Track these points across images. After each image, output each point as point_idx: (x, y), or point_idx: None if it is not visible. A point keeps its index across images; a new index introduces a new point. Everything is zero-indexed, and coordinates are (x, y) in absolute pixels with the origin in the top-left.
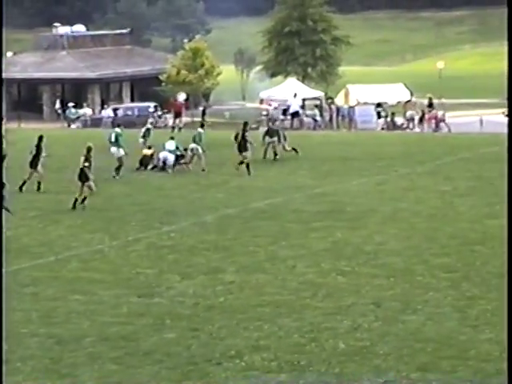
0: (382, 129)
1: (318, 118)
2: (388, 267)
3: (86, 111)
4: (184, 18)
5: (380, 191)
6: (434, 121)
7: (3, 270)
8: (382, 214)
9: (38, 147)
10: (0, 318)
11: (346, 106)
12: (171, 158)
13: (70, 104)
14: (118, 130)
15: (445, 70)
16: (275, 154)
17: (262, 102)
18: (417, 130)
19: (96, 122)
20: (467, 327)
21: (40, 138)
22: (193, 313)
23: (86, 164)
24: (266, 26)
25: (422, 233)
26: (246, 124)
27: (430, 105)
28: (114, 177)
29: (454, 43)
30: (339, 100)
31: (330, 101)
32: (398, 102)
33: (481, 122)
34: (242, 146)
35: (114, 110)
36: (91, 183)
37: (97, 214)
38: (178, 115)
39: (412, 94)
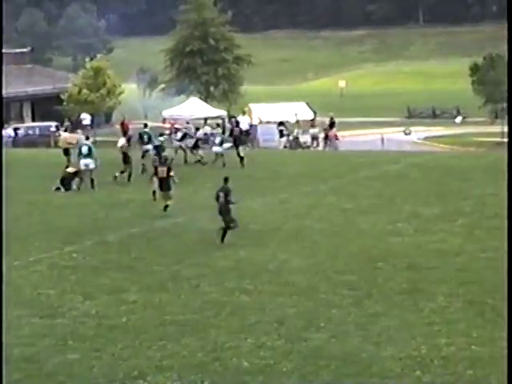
0: (285, 147)
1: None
2: (291, 285)
3: None
4: (86, 36)
5: (283, 209)
6: (335, 139)
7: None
8: (286, 231)
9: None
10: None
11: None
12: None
13: None
14: (88, 142)
15: (346, 88)
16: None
17: (164, 121)
18: (319, 148)
19: None
20: (370, 344)
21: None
22: (96, 333)
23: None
24: (168, 45)
25: (326, 250)
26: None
27: (332, 123)
28: (90, 187)
29: (355, 62)
30: (241, 118)
31: (233, 119)
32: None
33: (382, 140)
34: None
35: (15, 130)
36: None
37: None
38: (125, 134)
39: (315, 113)
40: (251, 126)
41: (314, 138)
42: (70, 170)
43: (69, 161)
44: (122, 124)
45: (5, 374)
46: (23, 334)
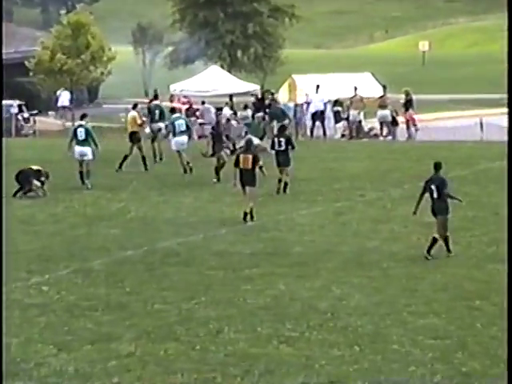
0: (343, 136)
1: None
2: (351, 332)
3: None
4: None
5: (340, 224)
6: (412, 124)
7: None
8: (343, 256)
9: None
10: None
11: (291, 104)
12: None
13: None
14: (83, 122)
15: (430, 52)
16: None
17: (172, 98)
18: (390, 137)
19: None
20: None
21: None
22: None
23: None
24: None
25: (399, 283)
26: None
27: (407, 102)
28: (86, 185)
29: (442, 15)
30: (282, 95)
31: (269, 97)
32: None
33: (481, 125)
34: None
35: None
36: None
37: None
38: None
39: (385, 88)
40: (325, 104)
41: (384, 122)
42: (34, 167)
43: (140, 149)
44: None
45: None
46: None
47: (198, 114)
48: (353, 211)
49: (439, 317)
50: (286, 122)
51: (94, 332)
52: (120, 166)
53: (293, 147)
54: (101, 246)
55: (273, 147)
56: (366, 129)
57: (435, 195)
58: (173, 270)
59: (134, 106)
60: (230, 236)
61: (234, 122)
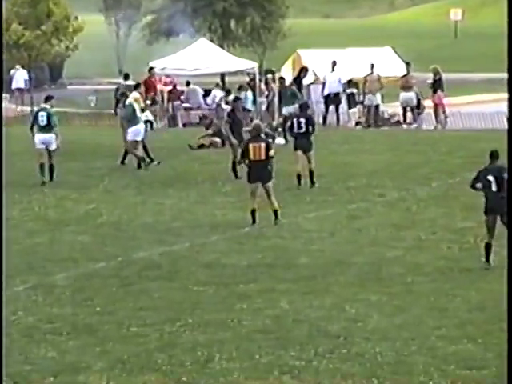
0: (358, 123)
1: (250, 106)
2: (369, 360)
3: None
4: None
5: (355, 230)
6: (442, 110)
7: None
8: (358, 268)
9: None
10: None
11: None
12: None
13: None
14: (47, 106)
15: (463, 23)
16: None
17: (151, 78)
18: (415, 125)
19: None
20: None
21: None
22: None
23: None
24: None
25: (426, 301)
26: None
27: (436, 82)
28: (48, 181)
29: None
30: (285, 74)
31: (269, 76)
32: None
33: None
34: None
35: None
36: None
37: None
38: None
39: (409, 65)
40: (343, 85)
41: (408, 107)
42: None
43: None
44: (146, 82)
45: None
46: None
47: (182, 97)
48: (370, 214)
49: (474, 342)
50: (296, 106)
51: (58, 361)
52: (150, 162)
53: (313, 128)
54: (66, 257)
55: (291, 130)
56: (385, 115)
57: (494, 188)
58: (153, 285)
59: (136, 86)
60: (222, 244)
61: (225, 107)
